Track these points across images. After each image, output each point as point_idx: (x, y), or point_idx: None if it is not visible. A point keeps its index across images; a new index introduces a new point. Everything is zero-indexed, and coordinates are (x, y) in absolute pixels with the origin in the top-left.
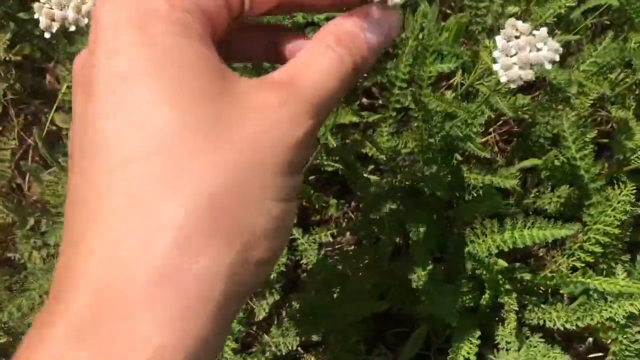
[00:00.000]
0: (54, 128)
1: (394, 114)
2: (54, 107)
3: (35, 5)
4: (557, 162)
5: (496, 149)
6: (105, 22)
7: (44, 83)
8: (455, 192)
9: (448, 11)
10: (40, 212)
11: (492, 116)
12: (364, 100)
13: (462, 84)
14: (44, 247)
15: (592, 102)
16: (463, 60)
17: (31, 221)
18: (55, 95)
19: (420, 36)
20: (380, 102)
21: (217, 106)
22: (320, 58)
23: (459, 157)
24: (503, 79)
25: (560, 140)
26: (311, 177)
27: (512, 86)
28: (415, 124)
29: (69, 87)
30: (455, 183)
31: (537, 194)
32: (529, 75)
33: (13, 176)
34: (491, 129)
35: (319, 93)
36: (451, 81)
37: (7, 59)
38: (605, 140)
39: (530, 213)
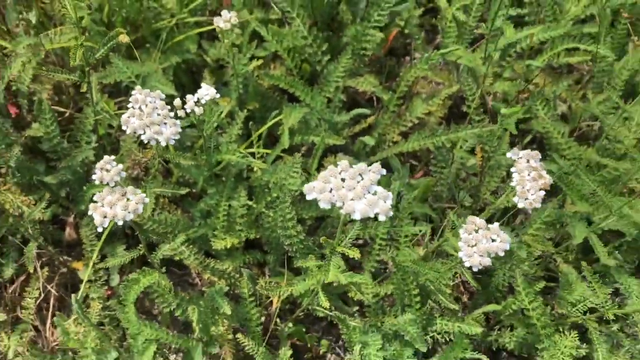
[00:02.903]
0: (65, 270)
1: (375, 264)
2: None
3: (91, 205)
4: (514, 307)
5: (462, 288)
6: None
7: (64, 235)
8: (429, 334)
9: (415, 163)
10: (61, 357)
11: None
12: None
13: (432, 238)
14: None
15: (540, 253)
16: (432, 225)
17: None
18: (72, 245)
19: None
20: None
21: None
22: None
23: (432, 303)
24: (467, 264)
25: (515, 289)
26: (303, 317)
27: (474, 269)
28: (394, 278)
29: (90, 242)
30: (429, 326)
31: (499, 332)
32: (487, 262)
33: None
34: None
35: None
36: (421, 235)
37: (37, 219)
38: (555, 284)
39: (494, 349)
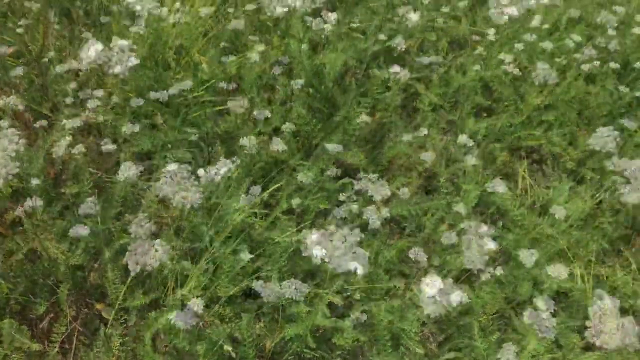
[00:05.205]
0: (87, 311)
1: (359, 314)
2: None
3: (127, 253)
4: (473, 355)
5: (431, 339)
6: None
7: (88, 280)
8: None
9: (395, 227)
10: None
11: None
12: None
13: (405, 291)
14: None
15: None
16: (407, 281)
17: None
18: (96, 289)
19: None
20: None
21: None
22: None
23: (403, 349)
24: (425, 312)
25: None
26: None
27: (431, 316)
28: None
29: (115, 287)
30: None
31: None
32: (442, 310)
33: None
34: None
35: None
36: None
37: (71, 264)
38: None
39: None
